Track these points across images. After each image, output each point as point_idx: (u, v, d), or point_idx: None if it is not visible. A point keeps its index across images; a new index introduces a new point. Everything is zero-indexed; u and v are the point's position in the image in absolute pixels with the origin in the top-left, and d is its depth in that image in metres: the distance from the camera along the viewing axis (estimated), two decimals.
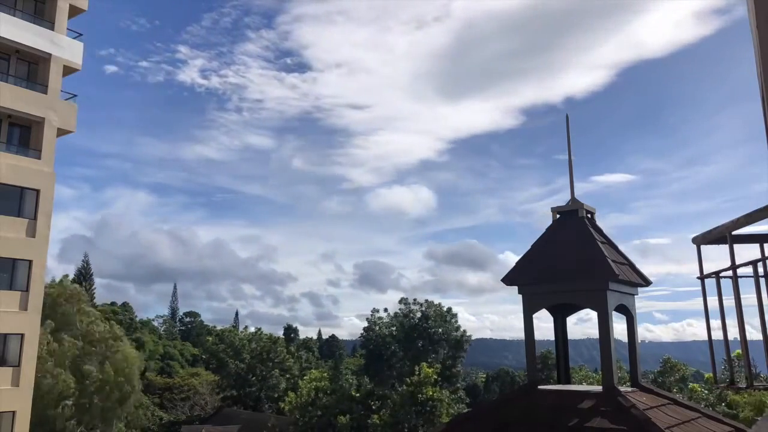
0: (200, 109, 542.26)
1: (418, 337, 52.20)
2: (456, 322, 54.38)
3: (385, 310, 55.47)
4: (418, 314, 53.77)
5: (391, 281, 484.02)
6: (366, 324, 54.86)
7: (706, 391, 34.49)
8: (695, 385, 37.47)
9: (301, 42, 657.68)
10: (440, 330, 52.91)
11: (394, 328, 53.64)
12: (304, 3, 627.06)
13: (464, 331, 54.60)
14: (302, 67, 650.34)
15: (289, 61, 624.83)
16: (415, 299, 55.27)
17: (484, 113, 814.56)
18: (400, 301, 55.17)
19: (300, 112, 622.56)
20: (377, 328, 54.17)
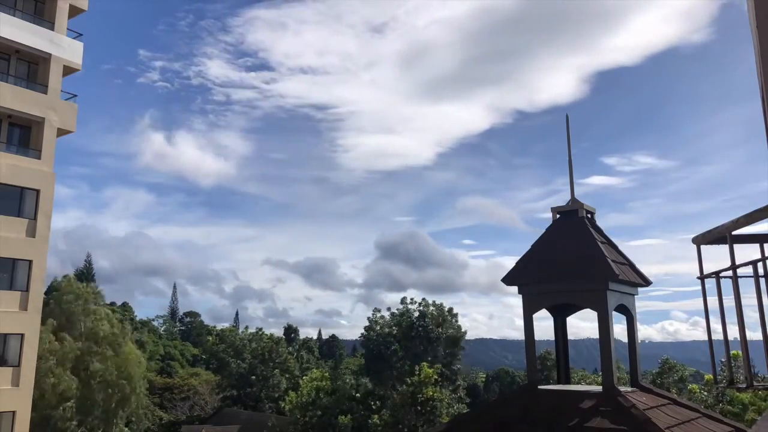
0: (168, 109, 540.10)
1: (416, 336, 52.17)
2: (455, 321, 54.36)
3: (388, 309, 55.53)
4: (416, 313, 53.76)
5: (337, 279, 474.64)
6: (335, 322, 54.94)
7: (705, 393, 34.40)
8: (694, 386, 37.38)
9: (259, 45, 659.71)
10: (438, 329, 52.88)
11: (394, 328, 53.61)
12: (254, 7, 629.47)
13: (459, 327, 54.61)
14: (262, 68, 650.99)
15: (249, 62, 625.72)
16: (412, 298, 55.33)
17: (456, 117, 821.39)
18: (402, 301, 55.17)
19: (266, 114, 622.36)
20: (378, 327, 54.15)
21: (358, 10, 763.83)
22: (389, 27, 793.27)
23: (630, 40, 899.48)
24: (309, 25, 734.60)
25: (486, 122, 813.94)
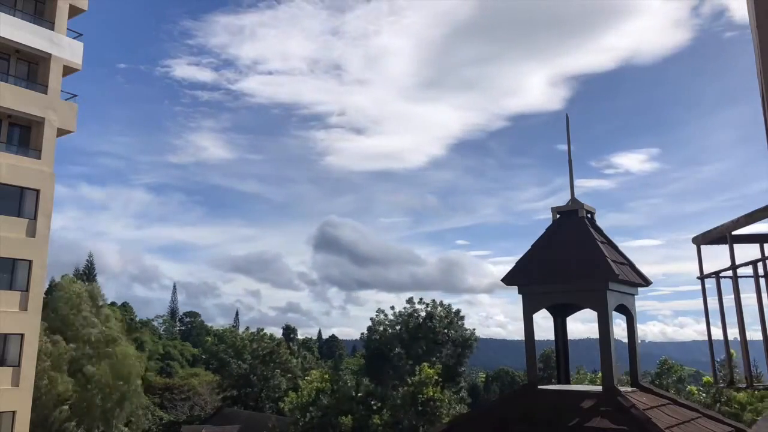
0: (142, 110, 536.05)
1: (422, 337, 52.07)
2: (462, 322, 54.32)
3: (392, 308, 55.34)
4: (423, 314, 53.64)
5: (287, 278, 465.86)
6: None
7: (704, 394, 34.42)
8: (692, 387, 37.45)
9: (222, 48, 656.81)
10: (445, 330, 52.81)
11: (398, 328, 53.52)
12: (212, 13, 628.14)
13: (473, 331, 54.60)
14: (227, 68, 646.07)
15: (215, 63, 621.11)
16: (421, 299, 55.12)
17: (434, 120, 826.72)
18: (408, 301, 54.93)
19: (236, 115, 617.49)
20: (381, 328, 54.02)
21: (312, 14, 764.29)
22: (344, 31, 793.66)
23: (605, 45, 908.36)
24: (268, 29, 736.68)
25: (473, 124, 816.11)
